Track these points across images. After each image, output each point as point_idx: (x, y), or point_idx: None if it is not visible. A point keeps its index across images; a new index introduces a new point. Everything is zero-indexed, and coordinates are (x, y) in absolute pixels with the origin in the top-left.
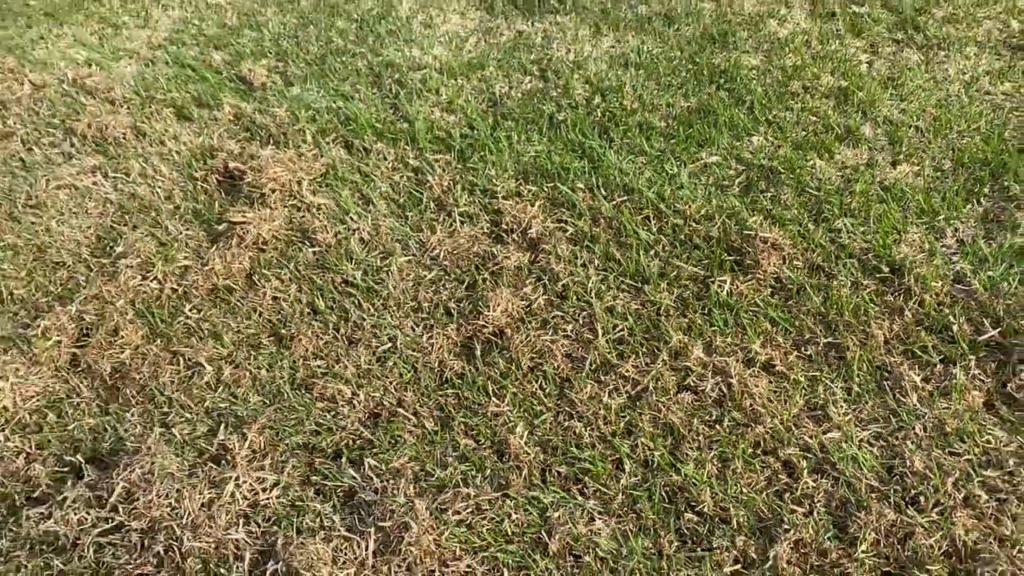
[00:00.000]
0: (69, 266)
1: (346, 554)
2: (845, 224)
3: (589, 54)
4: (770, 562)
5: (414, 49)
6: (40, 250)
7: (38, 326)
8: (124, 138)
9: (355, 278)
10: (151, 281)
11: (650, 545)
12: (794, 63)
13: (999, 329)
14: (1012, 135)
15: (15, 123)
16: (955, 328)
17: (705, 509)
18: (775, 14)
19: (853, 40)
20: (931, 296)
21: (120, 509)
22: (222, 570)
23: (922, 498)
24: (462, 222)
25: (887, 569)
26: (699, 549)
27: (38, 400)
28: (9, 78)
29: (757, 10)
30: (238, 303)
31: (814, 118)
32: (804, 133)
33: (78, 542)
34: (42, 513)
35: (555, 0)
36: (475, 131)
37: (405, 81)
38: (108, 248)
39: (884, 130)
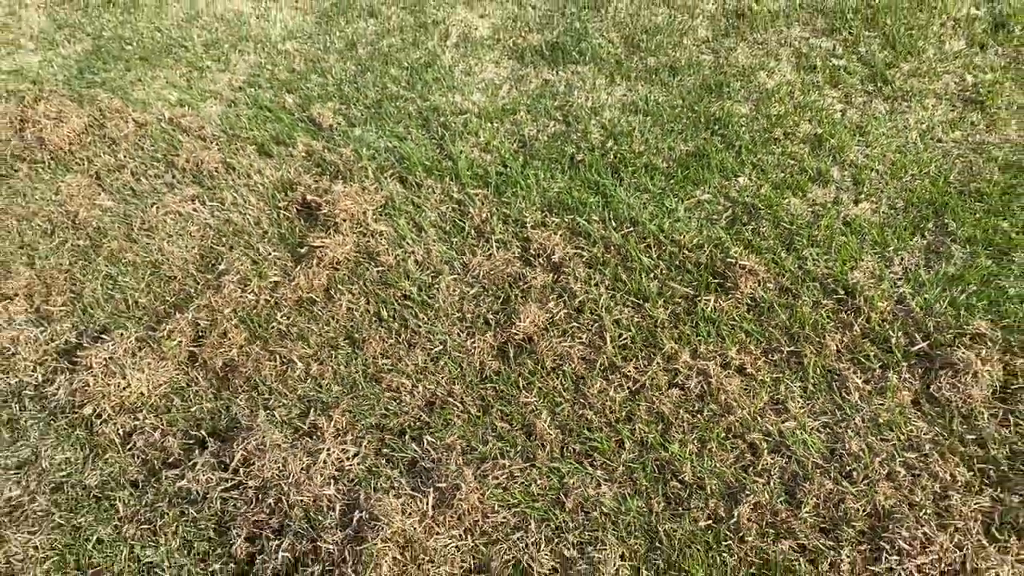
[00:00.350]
0: (179, 280)
1: (412, 507)
2: (811, 253)
3: (605, 101)
4: (735, 519)
5: (456, 95)
6: (155, 266)
7: (164, 329)
8: (216, 171)
9: (412, 293)
10: (249, 294)
11: (643, 505)
12: (778, 112)
13: (928, 342)
14: (956, 178)
15: (124, 157)
16: (893, 340)
17: (686, 478)
18: (765, 67)
19: (830, 91)
20: (876, 314)
21: (240, 471)
22: (319, 517)
23: (855, 473)
24: (498, 247)
25: (823, 526)
26: (680, 508)
27: (166, 388)
28: (116, 117)
29: (750, 63)
30: (319, 312)
31: (792, 161)
32: (782, 175)
33: (207, 496)
34: (177, 474)
35: (576, 52)
36: (508, 169)
37: (449, 124)
38: (211, 265)
39: (850, 172)
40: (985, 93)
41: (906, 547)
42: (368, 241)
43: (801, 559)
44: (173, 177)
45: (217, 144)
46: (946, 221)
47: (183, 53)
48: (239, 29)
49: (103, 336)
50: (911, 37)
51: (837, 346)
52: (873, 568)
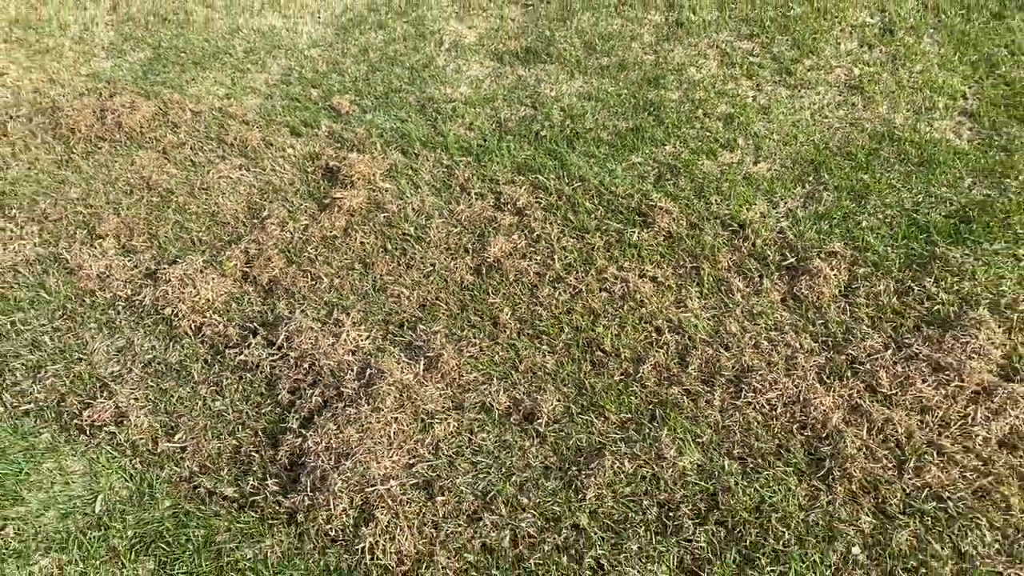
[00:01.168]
0: (232, 224)
1: (408, 369)
2: (715, 199)
3: (565, 91)
4: (640, 374)
5: (447, 88)
6: (213, 215)
7: (225, 256)
8: (258, 147)
9: (410, 231)
10: (286, 232)
11: (575, 367)
12: (702, 97)
13: (796, 257)
14: (835, 144)
15: (185, 136)
16: (770, 258)
17: (607, 349)
18: (695, 63)
19: (746, 81)
20: (760, 240)
21: (284, 347)
22: (342, 373)
23: (730, 344)
24: (476, 199)
25: (703, 378)
26: (601, 368)
27: (226, 296)
28: (177, 107)
29: (683, 60)
30: (339, 245)
31: (708, 133)
32: (700, 143)
33: (259, 365)
34: (237, 351)
35: (545, 54)
36: (486, 142)
37: (441, 110)
38: (256, 213)
39: (753, 142)
40: (866, 82)
41: (759, 387)
42: (377, 195)
43: (685, 398)
44: (224, 151)
45: (258, 127)
46: (823, 175)
47: (227, 58)
48: (273, 39)
49: (177, 261)
50: (815, 40)
51: (728, 263)
52: (735, 402)
